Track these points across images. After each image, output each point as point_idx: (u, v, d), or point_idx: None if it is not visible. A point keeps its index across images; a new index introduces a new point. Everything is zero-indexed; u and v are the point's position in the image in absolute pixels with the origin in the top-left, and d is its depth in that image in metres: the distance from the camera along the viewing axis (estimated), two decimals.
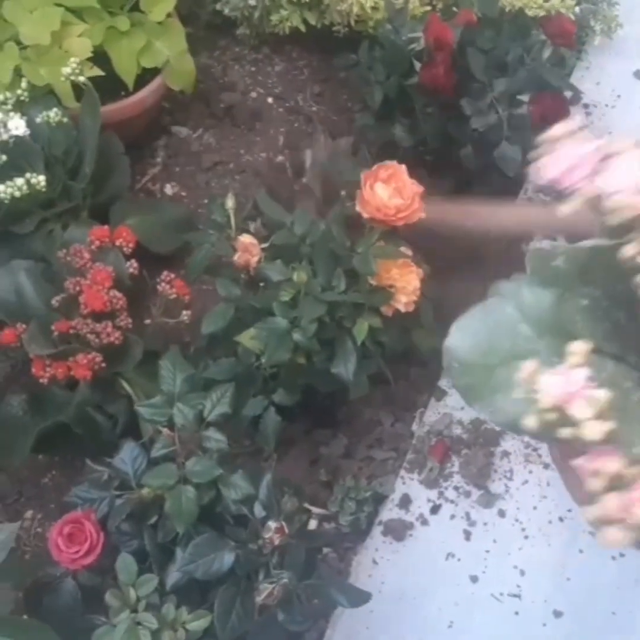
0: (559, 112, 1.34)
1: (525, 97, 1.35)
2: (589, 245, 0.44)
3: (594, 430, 0.36)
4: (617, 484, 0.35)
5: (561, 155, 0.43)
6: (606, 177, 0.41)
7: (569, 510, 1.21)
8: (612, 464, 0.35)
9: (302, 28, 1.58)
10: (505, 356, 0.45)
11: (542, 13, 1.47)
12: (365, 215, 1.19)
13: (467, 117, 1.37)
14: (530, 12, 1.46)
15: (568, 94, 1.41)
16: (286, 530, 0.97)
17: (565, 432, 0.36)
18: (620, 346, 0.41)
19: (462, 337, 0.46)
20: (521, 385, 0.39)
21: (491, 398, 0.45)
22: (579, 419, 0.36)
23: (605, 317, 0.41)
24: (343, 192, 1.23)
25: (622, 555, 1.17)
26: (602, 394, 0.36)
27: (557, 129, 0.43)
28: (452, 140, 1.42)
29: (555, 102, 1.35)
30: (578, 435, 0.36)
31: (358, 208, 1.19)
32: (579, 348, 0.37)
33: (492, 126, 1.37)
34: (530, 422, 0.40)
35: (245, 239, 1.23)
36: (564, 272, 0.44)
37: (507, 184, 1.43)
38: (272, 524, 0.97)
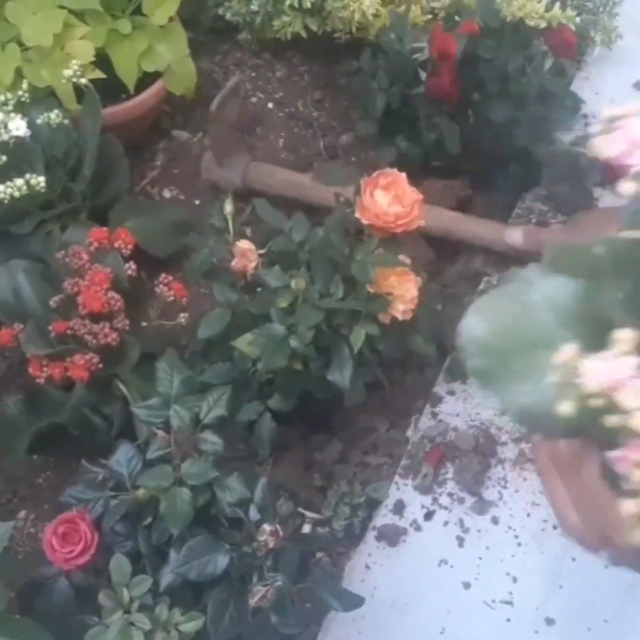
0: None
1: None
2: (628, 236, 0.42)
3: None
4: None
5: (623, 134, 0.42)
6: None
7: None
8: None
9: (304, 34, 1.58)
10: (525, 343, 0.43)
11: (543, 23, 1.47)
12: (364, 221, 1.19)
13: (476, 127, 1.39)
14: (531, 22, 1.46)
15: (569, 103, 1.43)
16: (281, 534, 0.97)
17: (612, 421, 0.35)
18: None
19: (481, 318, 0.44)
20: (558, 369, 0.38)
21: (507, 384, 0.43)
22: (628, 408, 0.34)
23: (637, 312, 0.39)
24: (342, 199, 1.23)
25: None
26: None
27: (622, 109, 0.42)
28: (466, 148, 1.44)
29: None
30: (625, 425, 0.34)
31: (357, 214, 1.20)
32: (626, 335, 0.36)
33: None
34: (567, 407, 0.38)
35: (243, 244, 1.23)
36: (598, 263, 0.42)
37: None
38: (266, 527, 0.98)
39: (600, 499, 0.49)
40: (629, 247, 0.41)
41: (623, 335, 0.36)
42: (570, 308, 0.42)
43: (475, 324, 0.44)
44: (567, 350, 0.37)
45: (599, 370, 0.35)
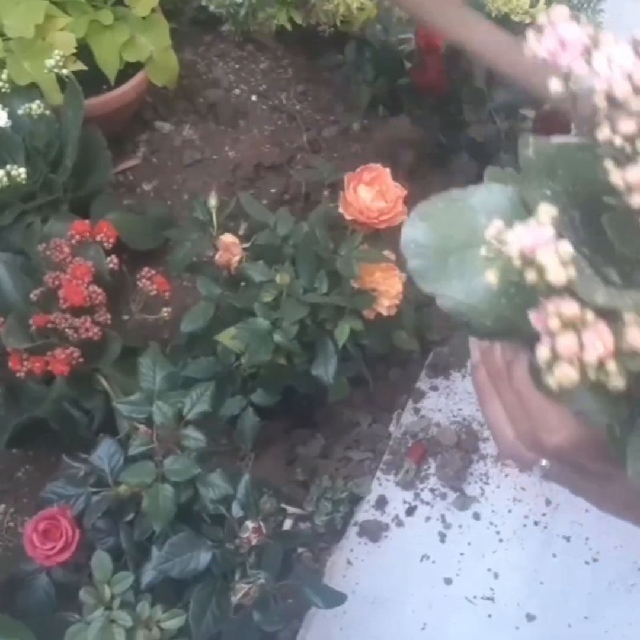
0: (566, 132, 1.35)
1: (529, 113, 1.35)
2: (557, 141, 0.46)
3: (559, 274, 0.38)
4: (571, 327, 0.38)
5: (555, 34, 0.44)
6: (594, 61, 0.43)
7: (544, 514, 1.22)
8: (571, 308, 0.38)
9: (288, 27, 1.57)
10: (461, 244, 0.46)
11: (528, 19, 1.47)
12: (347, 217, 1.19)
13: (460, 123, 1.37)
14: (516, 18, 1.46)
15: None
16: (264, 531, 0.97)
17: (530, 277, 0.38)
18: (575, 240, 0.43)
19: (421, 221, 0.47)
20: (487, 242, 0.41)
21: (444, 282, 0.46)
22: (545, 265, 0.38)
23: (563, 211, 0.43)
24: (326, 193, 1.23)
25: (595, 560, 1.18)
26: (567, 246, 0.39)
27: (557, 13, 0.44)
28: (442, 147, 1.43)
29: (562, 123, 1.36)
30: (542, 281, 0.38)
31: (340, 209, 1.19)
32: (547, 210, 0.40)
33: (489, 136, 1.37)
34: (491, 276, 0.41)
35: (227, 238, 1.22)
36: (531, 164, 0.45)
37: None
38: (249, 524, 0.97)
39: (529, 401, 0.51)
40: (559, 152, 0.45)
41: (544, 209, 0.40)
42: (503, 210, 0.45)
43: (415, 227, 0.47)
44: (495, 225, 0.41)
45: (522, 235, 0.39)
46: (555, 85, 0.44)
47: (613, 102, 0.42)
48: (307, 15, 1.56)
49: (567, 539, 1.20)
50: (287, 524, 1.24)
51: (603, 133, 0.42)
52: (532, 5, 1.49)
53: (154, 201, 1.53)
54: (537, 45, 0.44)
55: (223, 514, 1.00)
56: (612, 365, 0.37)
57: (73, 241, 1.22)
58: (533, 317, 0.39)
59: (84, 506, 1.04)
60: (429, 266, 0.46)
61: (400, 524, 1.23)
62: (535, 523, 1.22)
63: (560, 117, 1.36)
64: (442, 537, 1.21)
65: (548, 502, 1.23)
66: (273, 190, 1.54)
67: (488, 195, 0.47)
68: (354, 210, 1.18)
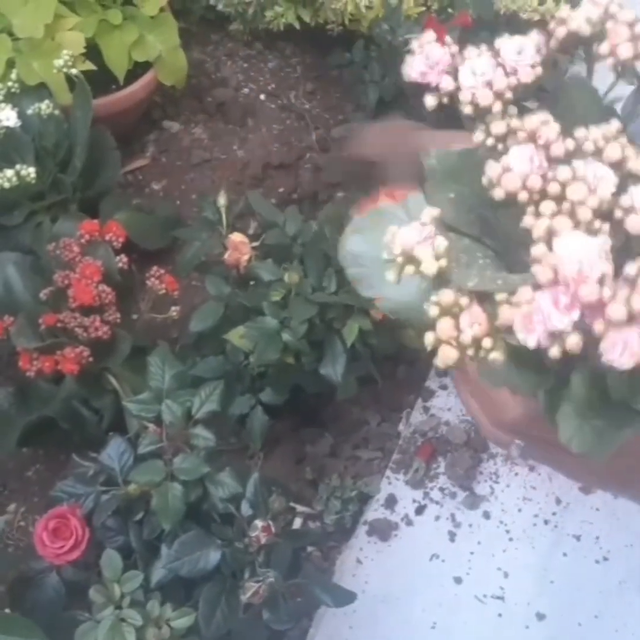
0: None
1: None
2: (457, 149, 0.51)
3: (431, 266, 0.44)
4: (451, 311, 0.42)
5: (423, 57, 0.51)
6: (460, 74, 0.50)
7: (554, 513, 1.21)
8: (447, 295, 0.43)
9: (297, 25, 1.57)
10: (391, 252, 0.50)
11: (536, 17, 1.47)
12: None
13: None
14: (524, 15, 1.46)
15: None
16: (273, 530, 0.97)
17: (408, 270, 0.44)
18: (480, 231, 0.48)
19: (354, 232, 0.52)
20: (387, 246, 0.46)
21: (381, 286, 0.51)
22: (420, 258, 0.44)
23: (470, 210, 0.48)
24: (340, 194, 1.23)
25: (605, 559, 1.18)
26: (442, 240, 0.44)
27: (426, 37, 0.52)
28: None
29: None
30: (420, 273, 0.44)
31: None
32: (429, 212, 0.46)
33: None
34: (391, 275, 0.46)
35: (236, 237, 1.22)
36: (436, 172, 0.50)
37: None
38: (259, 523, 0.97)
39: (485, 388, 0.55)
40: (460, 158, 0.50)
41: (427, 212, 0.45)
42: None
43: (350, 240, 0.52)
44: (390, 231, 0.46)
45: (406, 235, 0.45)
46: (430, 102, 0.51)
47: (478, 109, 0.48)
48: (315, 14, 1.56)
49: (577, 537, 1.20)
50: (297, 523, 1.24)
51: (476, 136, 0.47)
52: (541, 3, 1.48)
53: (163, 200, 1.53)
54: (409, 69, 0.52)
55: (232, 512, 1.00)
56: (487, 342, 0.41)
57: (82, 241, 1.22)
58: (428, 309, 0.44)
59: (94, 505, 1.04)
60: (365, 274, 0.52)
61: (409, 523, 1.22)
62: (546, 522, 1.21)
63: None
64: (452, 536, 1.21)
65: (558, 501, 1.22)
66: (281, 189, 1.54)
67: (414, 205, 0.52)
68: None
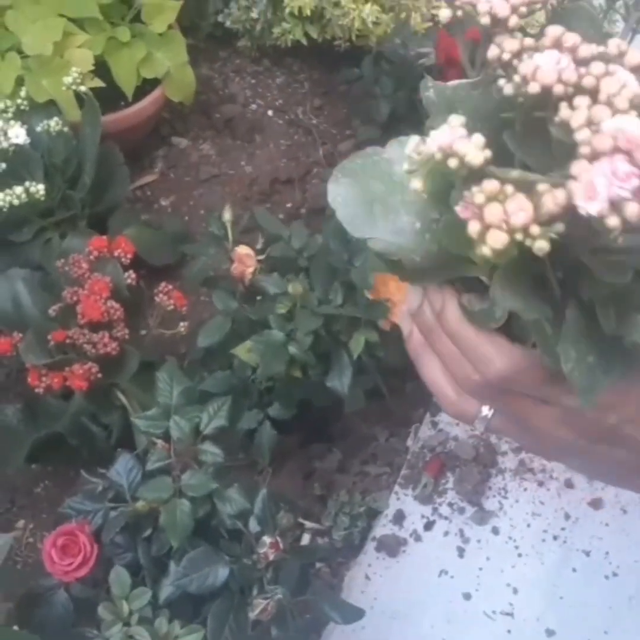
0: None
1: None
2: (452, 83, 0.52)
3: (477, 155, 0.43)
4: (496, 199, 0.42)
5: None
6: None
7: (563, 529, 1.21)
8: (492, 184, 0.43)
9: (304, 41, 1.58)
10: (382, 192, 0.51)
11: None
12: None
13: None
14: (531, 31, 1.46)
15: None
16: (281, 546, 0.97)
17: (453, 163, 0.44)
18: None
19: (344, 175, 0.52)
20: (408, 158, 0.47)
21: (373, 226, 0.50)
22: (463, 152, 0.44)
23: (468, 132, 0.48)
24: None
25: (615, 574, 1.17)
26: (479, 136, 0.44)
27: None
28: None
29: None
30: (463, 166, 0.44)
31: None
32: (456, 118, 0.45)
33: None
34: (418, 184, 0.46)
35: (242, 249, 1.23)
36: (433, 104, 0.52)
37: None
38: (267, 539, 0.97)
39: (465, 340, 0.53)
40: (455, 91, 0.51)
41: (454, 118, 0.45)
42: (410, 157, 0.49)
43: (339, 182, 0.51)
44: (413, 140, 0.46)
45: (439, 137, 0.44)
46: (444, 14, 0.53)
47: (495, 21, 0.49)
48: (322, 30, 1.57)
49: (587, 553, 1.19)
50: (305, 539, 1.24)
51: (492, 51, 0.48)
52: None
53: (171, 216, 1.54)
54: None
55: (240, 529, 1.00)
56: (535, 229, 0.42)
57: (91, 257, 1.23)
58: (459, 210, 0.43)
59: (102, 521, 1.04)
60: (356, 214, 0.51)
61: (418, 538, 1.22)
62: (555, 537, 1.21)
63: None
64: (461, 552, 1.21)
65: (567, 516, 1.22)
66: (289, 205, 1.54)
67: (400, 147, 0.52)
68: None
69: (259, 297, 1.23)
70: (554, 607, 1.16)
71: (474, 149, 0.44)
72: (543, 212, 0.42)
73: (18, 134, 1.29)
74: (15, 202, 1.25)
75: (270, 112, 1.66)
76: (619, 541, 1.19)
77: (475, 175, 0.44)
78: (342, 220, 0.51)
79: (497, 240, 0.42)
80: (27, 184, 1.26)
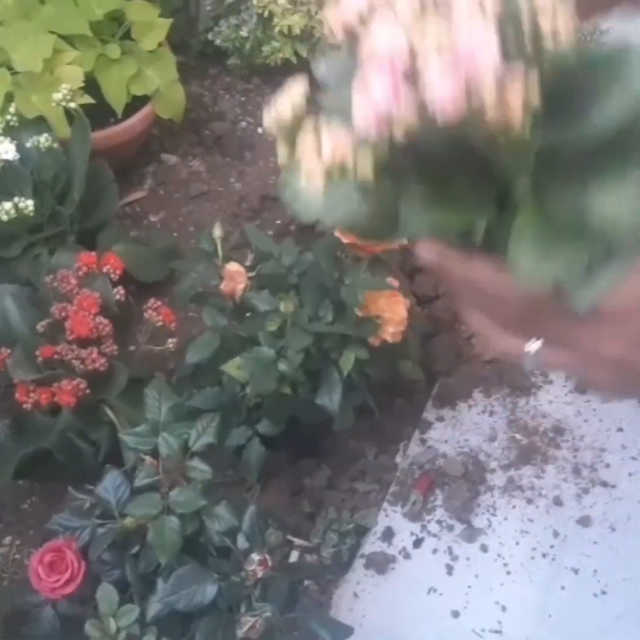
0: None
1: None
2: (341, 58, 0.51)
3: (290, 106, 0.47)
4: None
5: None
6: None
7: (552, 546, 1.21)
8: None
9: (294, 60, 1.59)
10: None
11: None
12: (344, 240, 1.20)
13: None
14: None
15: None
16: (269, 563, 0.96)
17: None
18: None
19: (293, 169, 0.51)
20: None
21: (321, 211, 0.51)
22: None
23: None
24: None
25: (603, 592, 1.17)
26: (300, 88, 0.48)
27: None
28: None
29: None
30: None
31: (337, 234, 1.20)
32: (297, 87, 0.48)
33: None
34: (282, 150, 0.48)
35: (232, 266, 1.23)
36: (326, 79, 0.52)
37: None
38: (255, 557, 0.97)
39: (478, 282, 0.52)
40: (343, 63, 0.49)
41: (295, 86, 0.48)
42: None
43: (293, 178, 0.51)
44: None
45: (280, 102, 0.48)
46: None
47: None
48: (312, 49, 1.58)
49: (576, 571, 1.19)
50: (294, 556, 1.23)
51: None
52: None
53: (161, 233, 1.54)
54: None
55: (229, 546, 1.00)
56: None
57: (80, 273, 1.23)
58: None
59: (90, 538, 1.04)
60: (305, 203, 0.51)
61: (407, 556, 1.22)
62: (543, 555, 1.21)
63: None
64: (449, 570, 1.20)
65: (556, 534, 1.22)
66: (279, 222, 1.55)
67: None
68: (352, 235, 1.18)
69: (248, 314, 1.23)
70: (543, 625, 1.15)
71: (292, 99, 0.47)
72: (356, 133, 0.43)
73: (7, 150, 1.30)
74: (4, 217, 1.25)
75: (259, 130, 1.67)
76: (607, 559, 1.19)
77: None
78: (296, 212, 0.52)
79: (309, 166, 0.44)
80: (16, 199, 1.26)
